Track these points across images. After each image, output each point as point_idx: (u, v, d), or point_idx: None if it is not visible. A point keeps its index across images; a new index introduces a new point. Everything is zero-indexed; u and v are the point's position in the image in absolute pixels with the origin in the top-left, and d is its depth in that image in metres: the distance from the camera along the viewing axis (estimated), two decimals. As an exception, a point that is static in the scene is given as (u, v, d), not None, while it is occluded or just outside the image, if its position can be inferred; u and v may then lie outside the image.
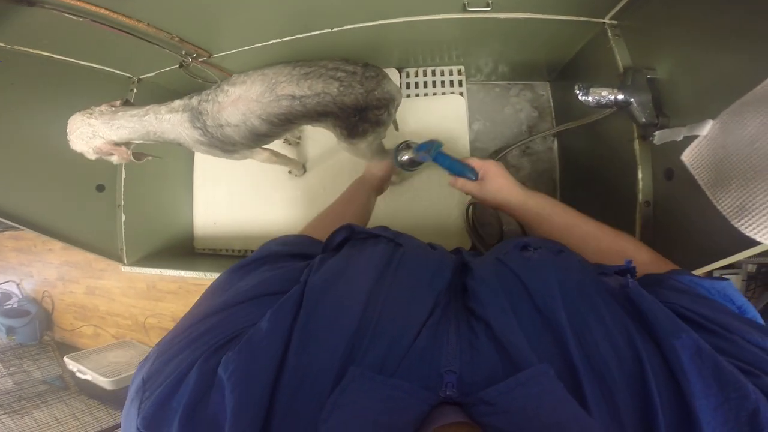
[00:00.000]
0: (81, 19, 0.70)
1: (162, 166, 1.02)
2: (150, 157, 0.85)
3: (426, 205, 1.04)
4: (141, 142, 0.78)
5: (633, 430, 0.24)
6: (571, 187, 1.06)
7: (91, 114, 0.73)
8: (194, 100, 0.71)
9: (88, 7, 0.66)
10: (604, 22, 0.77)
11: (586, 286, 0.32)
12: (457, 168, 0.65)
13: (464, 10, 0.73)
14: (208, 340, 0.28)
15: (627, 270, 0.37)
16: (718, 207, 0.50)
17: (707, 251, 0.55)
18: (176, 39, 0.83)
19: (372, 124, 0.70)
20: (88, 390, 2.16)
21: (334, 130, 0.74)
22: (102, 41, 0.81)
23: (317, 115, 0.68)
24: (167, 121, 0.72)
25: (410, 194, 1.05)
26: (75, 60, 0.91)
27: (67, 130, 0.75)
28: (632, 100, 0.65)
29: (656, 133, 0.63)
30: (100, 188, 1.02)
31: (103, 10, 0.68)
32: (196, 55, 0.91)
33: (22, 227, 0.84)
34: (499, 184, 0.60)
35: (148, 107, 0.74)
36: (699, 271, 0.57)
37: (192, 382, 0.25)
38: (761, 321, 0.34)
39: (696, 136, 0.55)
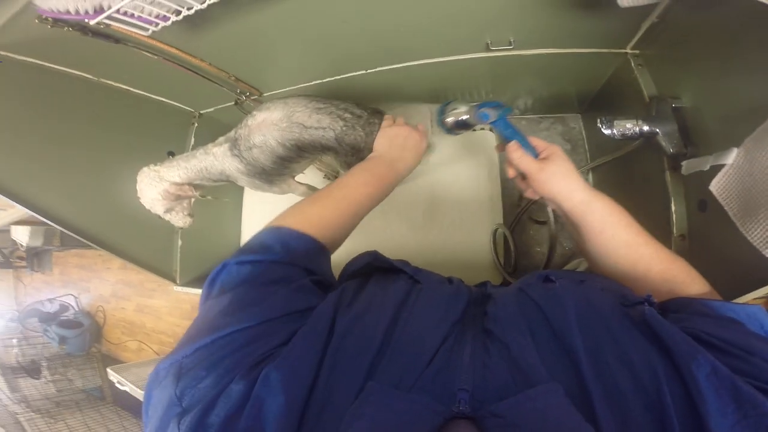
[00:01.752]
0: (156, 57, 0.81)
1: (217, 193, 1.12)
2: (209, 197, 0.93)
3: (457, 240, 1.05)
4: (199, 182, 0.84)
5: None
6: None
7: (155, 164, 0.83)
8: (232, 132, 0.80)
9: (162, 46, 0.78)
10: (626, 53, 0.77)
11: (605, 313, 0.34)
12: (519, 139, 0.55)
13: (488, 49, 0.78)
14: (242, 359, 0.29)
15: (646, 302, 0.37)
16: (748, 237, 0.48)
17: (743, 282, 0.52)
18: (233, 78, 0.95)
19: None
20: (123, 401, 2.27)
21: (338, 163, 0.82)
22: (170, 77, 0.92)
23: (321, 147, 0.76)
24: (213, 155, 0.80)
25: (438, 231, 1.06)
26: (147, 94, 1.04)
27: (137, 183, 0.82)
28: (657, 130, 0.65)
29: (683, 163, 0.62)
30: (163, 215, 1.15)
31: (173, 50, 0.80)
32: (249, 94, 1.03)
33: (94, 246, 0.93)
34: (566, 169, 0.51)
35: (199, 147, 0.84)
36: (737, 301, 0.54)
37: (233, 397, 0.27)
38: None
39: (723, 165, 0.54)
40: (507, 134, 0.57)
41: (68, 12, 0.61)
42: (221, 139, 0.82)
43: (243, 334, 0.32)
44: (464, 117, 0.67)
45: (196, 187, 0.86)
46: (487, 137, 1.08)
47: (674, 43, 0.67)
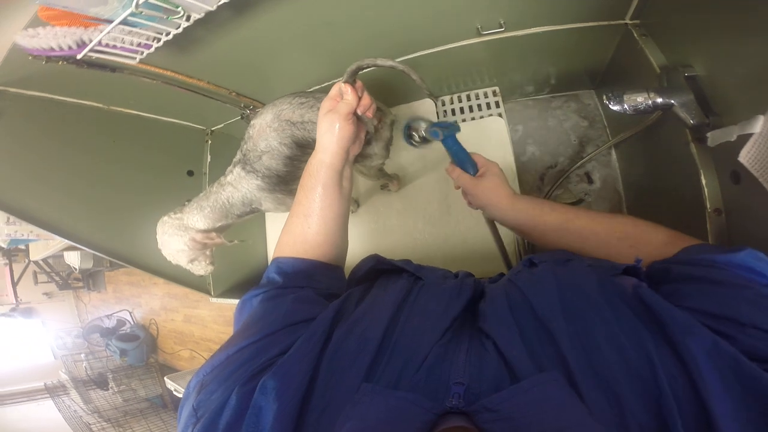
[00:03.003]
0: (154, 81, 0.84)
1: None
2: (236, 241, 0.89)
3: (476, 231, 1.02)
4: (224, 222, 0.81)
5: (643, 431, 0.23)
6: (636, 197, 0.97)
7: (174, 212, 0.78)
8: (238, 153, 0.79)
9: (157, 70, 0.80)
10: (626, 23, 0.73)
11: (592, 292, 0.32)
12: (462, 157, 0.61)
13: (479, 34, 0.75)
14: (244, 371, 0.31)
15: (636, 268, 0.36)
16: None
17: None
18: (233, 94, 0.97)
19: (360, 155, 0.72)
20: (182, 408, 2.41)
21: None
22: (176, 99, 0.95)
23: (313, 141, 0.73)
24: (229, 184, 0.79)
25: (455, 223, 1.04)
26: (158, 116, 1.07)
27: (158, 235, 0.78)
28: (673, 101, 0.59)
29: (708, 134, 0.57)
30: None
31: (169, 72, 0.82)
32: (252, 107, 1.05)
33: (132, 266, 0.98)
34: (495, 183, 0.55)
35: (212, 184, 0.82)
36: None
37: (231, 405, 0.28)
38: None
39: (750, 134, 0.48)
40: (453, 152, 0.62)
41: (52, 49, 0.63)
42: (229, 167, 0.81)
43: (249, 349, 0.33)
44: (422, 132, 0.72)
45: (221, 230, 0.83)
46: (498, 123, 1.03)
47: (676, 8, 0.63)
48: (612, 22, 0.74)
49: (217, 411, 0.28)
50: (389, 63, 0.52)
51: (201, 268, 0.83)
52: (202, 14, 0.57)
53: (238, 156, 0.79)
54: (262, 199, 0.81)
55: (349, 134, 0.50)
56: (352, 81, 0.52)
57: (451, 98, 1.08)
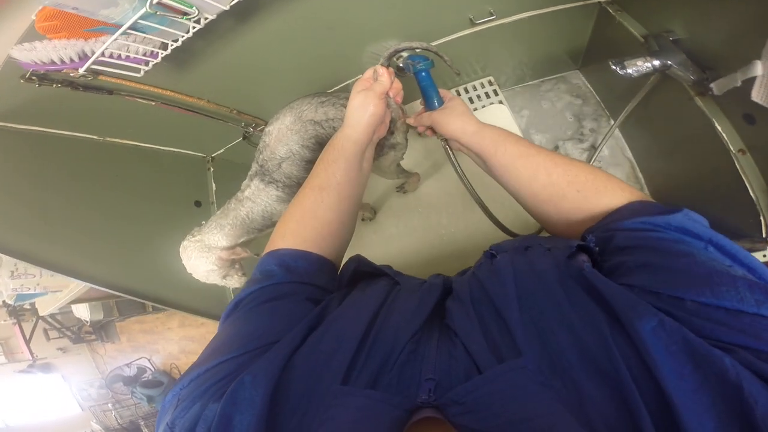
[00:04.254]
0: (153, 103, 0.81)
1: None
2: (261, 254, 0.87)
3: (503, 215, 1.01)
4: (246, 237, 0.79)
5: (604, 417, 0.23)
6: (655, 171, 0.98)
7: (192, 235, 0.77)
8: (253, 167, 0.77)
9: (157, 90, 0.77)
10: (599, 2, 0.78)
11: (548, 277, 0.32)
12: (430, 91, 0.60)
13: (473, 24, 0.78)
14: (222, 386, 0.30)
15: (587, 246, 0.36)
16: None
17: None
18: (235, 112, 0.96)
19: (381, 146, 0.73)
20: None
21: None
22: (173, 125, 0.92)
23: None
24: (248, 198, 0.77)
25: (480, 213, 1.04)
26: (157, 146, 1.02)
27: (183, 260, 0.77)
28: (669, 62, 0.63)
29: (712, 85, 0.60)
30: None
31: (168, 92, 0.80)
32: (255, 125, 1.03)
33: (154, 303, 0.94)
34: (460, 112, 0.55)
35: (230, 199, 0.80)
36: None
37: (208, 419, 0.27)
38: (734, 249, 0.29)
39: (754, 78, 0.51)
40: (423, 85, 0.61)
41: (52, 62, 0.58)
42: (246, 181, 0.79)
43: (228, 364, 0.32)
44: (401, 62, 0.69)
45: (245, 245, 0.81)
46: (502, 110, 1.05)
47: None
48: (587, 2, 0.78)
49: (191, 425, 0.27)
50: (423, 45, 0.55)
51: (235, 281, 0.82)
52: (215, 15, 0.56)
53: (254, 168, 0.78)
54: (282, 211, 0.78)
55: (380, 112, 0.51)
56: (387, 64, 0.53)
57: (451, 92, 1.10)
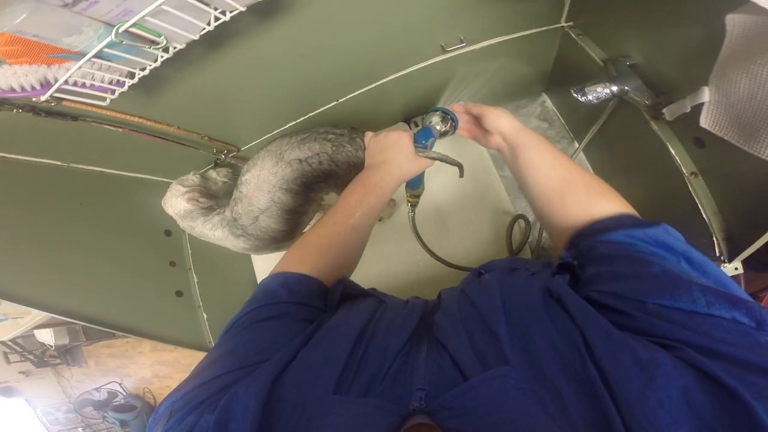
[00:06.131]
0: (120, 130, 0.78)
1: (227, 263, 1.11)
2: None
3: (477, 239, 1.05)
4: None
5: (585, 419, 0.25)
6: (610, 179, 1.01)
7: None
8: (227, 213, 0.75)
9: (124, 117, 0.74)
10: (562, 26, 0.83)
11: (531, 295, 0.35)
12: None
13: (444, 51, 0.81)
14: (217, 399, 0.30)
15: (568, 264, 0.39)
16: (762, 156, 0.48)
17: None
18: (206, 138, 0.92)
19: None
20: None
21: (339, 191, 0.80)
22: (142, 151, 0.89)
23: (323, 175, 0.74)
24: (214, 238, 0.78)
25: (455, 238, 1.05)
26: (124, 173, 0.99)
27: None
28: (626, 88, 0.66)
29: (664, 110, 0.64)
30: (179, 294, 1.09)
31: (136, 119, 0.77)
32: (226, 152, 1.01)
33: (123, 334, 0.89)
34: (507, 112, 0.60)
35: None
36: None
37: (203, 429, 0.27)
38: (703, 263, 0.33)
39: (702, 103, 0.54)
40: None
41: (12, 90, 0.55)
42: (216, 220, 0.76)
43: (224, 378, 0.32)
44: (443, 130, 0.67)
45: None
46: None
47: (604, 7, 0.72)
48: (550, 27, 0.83)
49: None
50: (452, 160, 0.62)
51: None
52: (184, 45, 0.55)
53: (227, 215, 0.75)
54: (240, 250, 0.81)
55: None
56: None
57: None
